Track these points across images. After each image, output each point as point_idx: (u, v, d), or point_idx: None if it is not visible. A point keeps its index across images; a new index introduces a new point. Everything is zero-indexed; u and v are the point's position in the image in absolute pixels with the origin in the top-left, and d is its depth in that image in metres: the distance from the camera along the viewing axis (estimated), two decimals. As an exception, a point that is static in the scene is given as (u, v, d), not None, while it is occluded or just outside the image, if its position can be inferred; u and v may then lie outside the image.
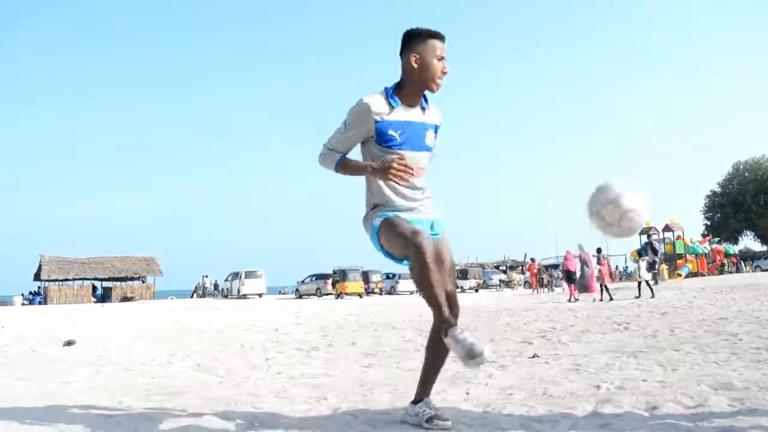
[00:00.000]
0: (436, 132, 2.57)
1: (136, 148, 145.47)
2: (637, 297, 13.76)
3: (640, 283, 14.74)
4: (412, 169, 2.38)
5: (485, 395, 3.13)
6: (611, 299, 13.55)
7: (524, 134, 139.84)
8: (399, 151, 2.42)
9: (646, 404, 2.73)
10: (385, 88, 2.47)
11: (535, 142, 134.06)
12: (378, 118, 2.39)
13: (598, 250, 15.30)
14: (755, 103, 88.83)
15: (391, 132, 2.41)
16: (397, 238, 2.36)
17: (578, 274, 14.98)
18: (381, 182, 2.46)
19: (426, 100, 2.53)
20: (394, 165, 2.33)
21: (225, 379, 4.08)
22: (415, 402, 2.56)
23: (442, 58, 2.42)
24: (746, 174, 43.68)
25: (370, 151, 2.46)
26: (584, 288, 14.55)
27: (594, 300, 13.86)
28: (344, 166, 2.46)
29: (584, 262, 14.80)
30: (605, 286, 14.55)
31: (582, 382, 3.37)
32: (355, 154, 2.55)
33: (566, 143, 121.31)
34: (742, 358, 3.97)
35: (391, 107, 2.42)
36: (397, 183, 2.42)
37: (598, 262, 15.06)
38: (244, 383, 3.87)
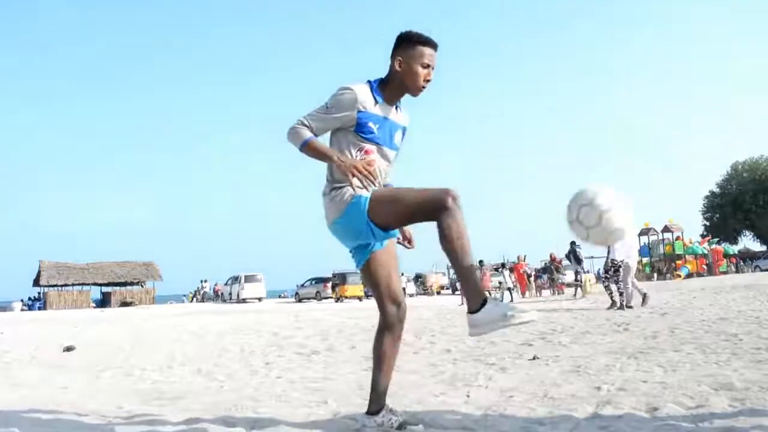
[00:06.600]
0: (404, 134, 2.59)
1: (135, 151, 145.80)
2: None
3: (508, 289, 18.44)
4: (376, 178, 2.32)
5: (486, 397, 3.12)
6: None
7: (524, 133, 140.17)
8: (374, 144, 2.42)
9: (646, 405, 2.73)
10: (369, 81, 2.46)
11: (535, 141, 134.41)
12: (361, 107, 2.38)
13: (480, 263, 18.73)
14: (754, 103, 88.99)
15: (371, 124, 2.40)
16: (408, 198, 2.28)
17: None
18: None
19: (399, 101, 2.54)
20: (360, 167, 2.24)
21: (225, 384, 4.07)
22: (373, 413, 2.50)
23: (428, 65, 2.42)
24: (745, 174, 43.65)
25: (347, 138, 2.40)
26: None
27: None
28: (311, 147, 2.34)
29: None
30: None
31: (582, 384, 3.36)
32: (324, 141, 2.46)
33: (566, 143, 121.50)
34: (742, 358, 3.96)
35: (375, 101, 2.43)
36: (354, 184, 2.28)
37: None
38: (245, 387, 3.86)
